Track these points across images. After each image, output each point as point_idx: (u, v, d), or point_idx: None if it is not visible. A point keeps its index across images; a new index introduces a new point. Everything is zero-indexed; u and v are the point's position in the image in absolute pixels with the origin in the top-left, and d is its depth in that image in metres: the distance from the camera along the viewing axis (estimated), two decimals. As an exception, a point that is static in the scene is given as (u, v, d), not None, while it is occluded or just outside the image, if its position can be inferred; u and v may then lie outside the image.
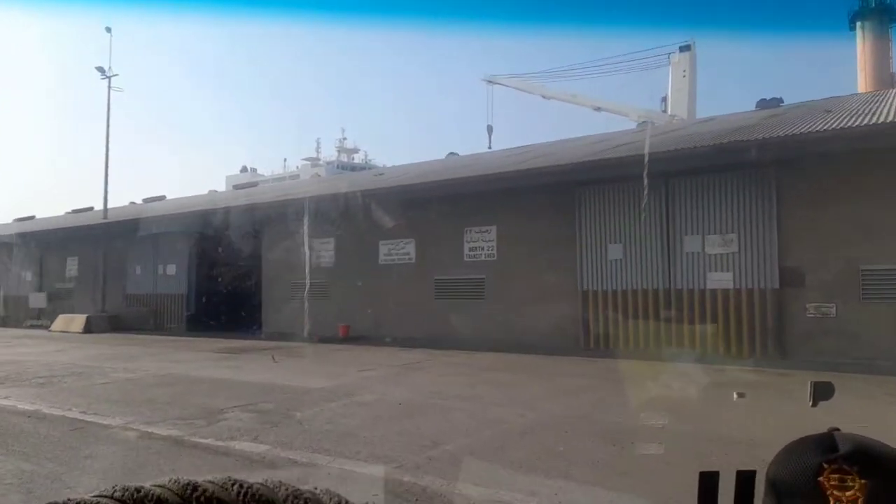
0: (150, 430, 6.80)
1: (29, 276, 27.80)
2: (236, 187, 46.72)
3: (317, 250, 18.52)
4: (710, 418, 6.77)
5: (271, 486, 0.64)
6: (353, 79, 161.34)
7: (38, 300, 26.45)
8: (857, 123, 11.34)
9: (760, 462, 0.97)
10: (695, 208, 12.73)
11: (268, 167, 76.50)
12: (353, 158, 72.72)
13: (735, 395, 7.09)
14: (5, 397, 8.83)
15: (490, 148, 34.94)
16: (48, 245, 26.96)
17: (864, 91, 31.66)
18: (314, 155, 73.13)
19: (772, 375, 9.77)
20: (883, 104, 14.00)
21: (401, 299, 16.46)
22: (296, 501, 0.62)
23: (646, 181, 12.32)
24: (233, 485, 0.61)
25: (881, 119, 11.48)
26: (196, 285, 22.13)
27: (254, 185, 44.37)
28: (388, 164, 40.54)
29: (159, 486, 0.58)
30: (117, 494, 0.55)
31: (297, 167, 69.97)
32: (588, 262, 13.97)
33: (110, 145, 24.62)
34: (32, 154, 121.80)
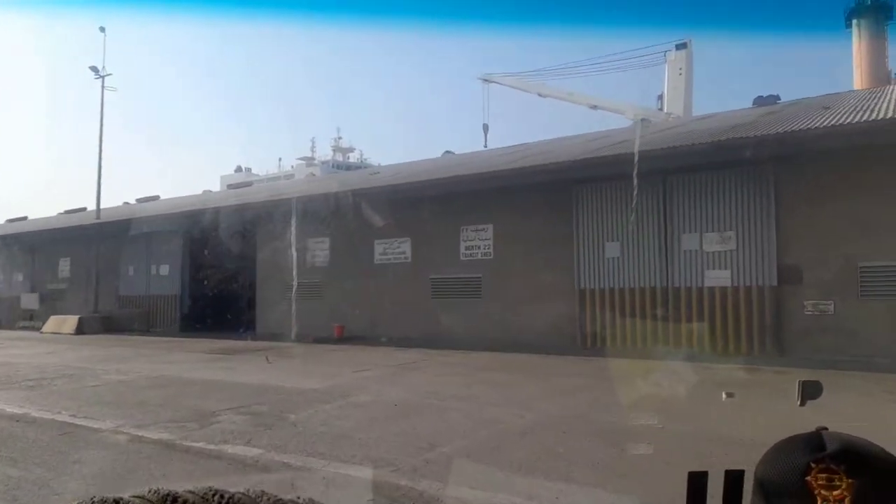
0: (141, 433, 6.66)
1: (21, 277, 27.59)
2: (230, 187, 46.55)
3: (311, 250, 18.40)
4: (709, 418, 6.67)
5: (253, 495, 0.62)
6: (347, 78, 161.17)
7: (29, 301, 26.24)
8: (855, 120, 11.26)
9: (762, 462, 0.93)
10: (692, 206, 12.66)
11: (262, 167, 76.35)
12: (348, 158, 72.54)
13: (724, 395, 7.01)
14: (-6, 400, 8.68)
15: (486, 146, 34.81)
16: (40, 246, 26.77)
17: (860, 89, 31.69)
18: (309, 154, 72.92)
19: (770, 373, 9.68)
20: (881, 101, 13.95)
21: (396, 299, 16.34)
22: None
23: (636, 181, 12.26)
24: (213, 495, 0.60)
25: (879, 115, 11.42)
26: (189, 286, 21.98)
27: (248, 184, 44.21)
28: (384, 164, 40.39)
29: (138, 496, 0.57)
30: None
31: (292, 167, 69.77)
32: (585, 260, 13.88)
33: (104, 145, 24.36)
34: (25, 154, 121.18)
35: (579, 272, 13.90)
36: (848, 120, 11.50)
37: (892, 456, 0.89)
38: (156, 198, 34.18)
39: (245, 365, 12.67)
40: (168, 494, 0.58)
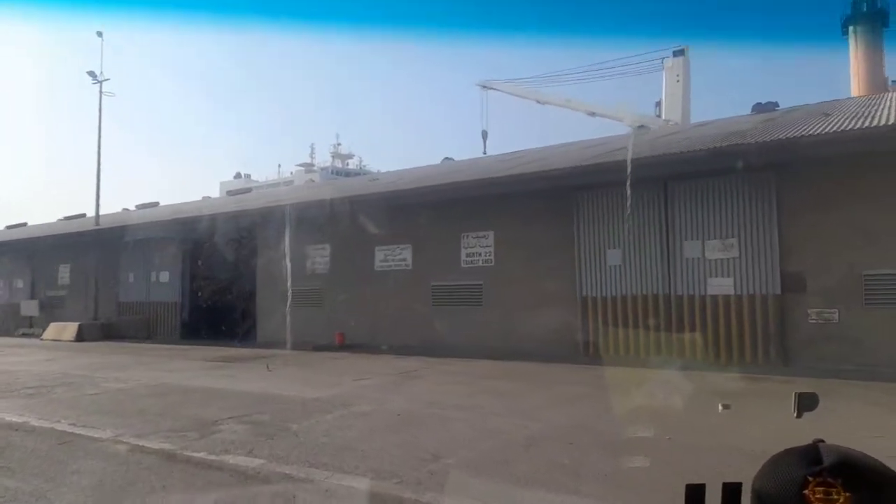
0: (141, 443, 6.59)
1: (20, 283, 27.50)
2: (230, 193, 46.53)
3: (311, 257, 18.34)
4: (716, 428, 6.60)
5: None
6: (346, 84, 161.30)
7: (29, 308, 26.14)
8: (857, 126, 11.23)
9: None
10: (694, 213, 12.61)
11: (262, 173, 76.26)
12: (347, 164, 72.52)
13: (720, 407, 6.94)
14: (-8, 409, 8.61)
15: (485, 153, 34.79)
16: (40, 252, 26.69)
17: (858, 96, 31.73)
18: (308, 160, 72.89)
19: (776, 383, 9.61)
20: (881, 107, 13.92)
21: (397, 306, 16.27)
22: None
23: (629, 192, 12.23)
24: None
25: (881, 122, 11.39)
26: (189, 293, 21.91)
27: (247, 190, 44.12)
28: (383, 170, 40.38)
29: None
30: None
31: (292, 173, 69.71)
32: (586, 267, 13.83)
33: (102, 151, 24.33)
34: (24, 160, 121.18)
35: (581, 279, 13.84)
36: (849, 126, 11.46)
37: (888, 469, 0.90)
38: (155, 204, 34.11)
39: (246, 373, 12.59)
40: None
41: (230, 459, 5.89)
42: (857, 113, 13.36)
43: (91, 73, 24.24)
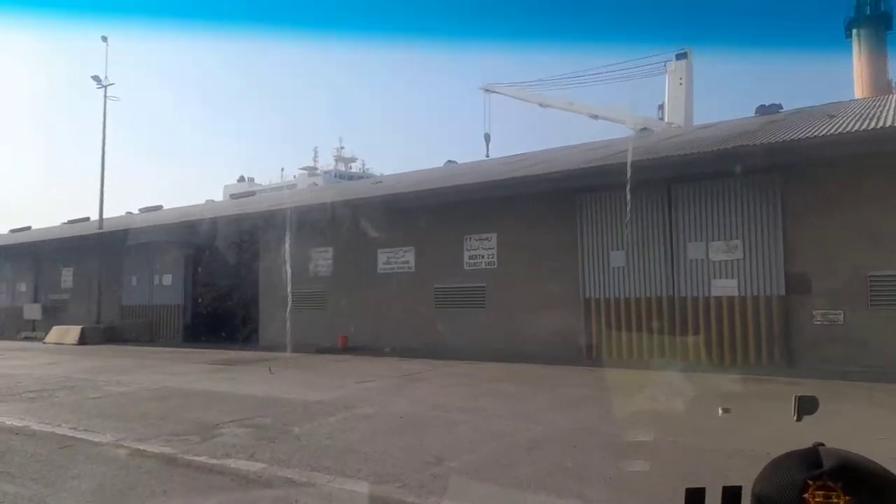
0: (142, 447, 6.55)
1: (23, 287, 27.53)
2: (233, 196, 46.56)
3: (314, 259, 18.31)
4: (721, 431, 6.54)
5: None
6: (349, 88, 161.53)
7: (32, 311, 26.15)
8: (863, 127, 11.16)
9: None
10: (698, 214, 12.55)
11: (265, 176, 76.29)
12: (350, 167, 72.53)
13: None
14: (-6, 413, 8.58)
15: (487, 156, 34.77)
16: (43, 256, 26.72)
17: (861, 98, 31.64)
18: (312, 164, 72.92)
19: (780, 384, 9.54)
20: (885, 108, 13.86)
21: (400, 308, 16.24)
22: None
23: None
24: None
25: (886, 123, 11.32)
26: (192, 296, 21.90)
27: (251, 194, 44.20)
28: (386, 173, 40.34)
29: None
30: None
31: (295, 176, 69.72)
32: (590, 269, 13.77)
33: (106, 155, 24.37)
34: (28, 165, 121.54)
35: (584, 281, 13.78)
36: (855, 127, 11.40)
37: (888, 472, 0.90)
38: (159, 207, 34.15)
39: (248, 376, 12.55)
40: None
41: (231, 463, 5.85)
42: (862, 115, 13.30)
43: (96, 78, 24.30)
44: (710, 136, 15.01)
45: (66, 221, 35.82)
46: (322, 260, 18.29)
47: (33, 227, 36.58)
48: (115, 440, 6.88)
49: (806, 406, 1.50)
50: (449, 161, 32.69)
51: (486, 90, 45.55)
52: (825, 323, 11.15)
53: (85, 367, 14.20)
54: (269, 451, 6.21)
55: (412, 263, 16.61)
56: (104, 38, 23.95)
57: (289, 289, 17.13)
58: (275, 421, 7.72)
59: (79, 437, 7.11)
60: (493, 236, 15.32)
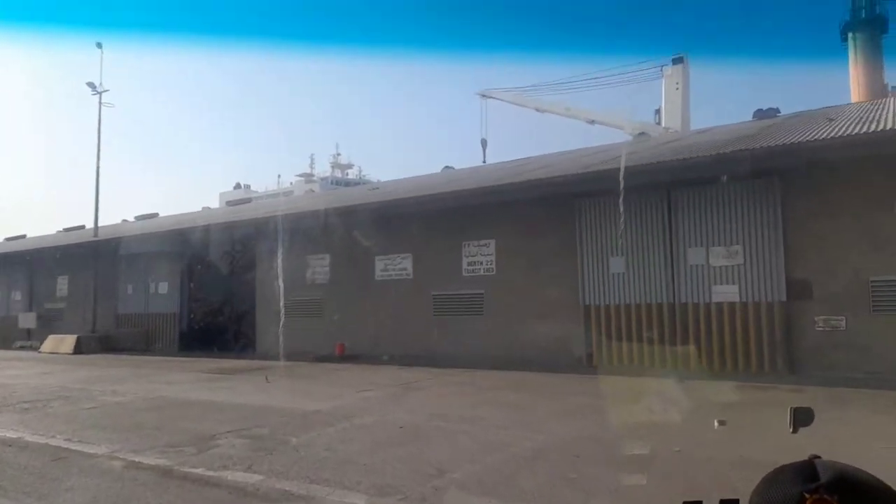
0: (137, 459, 6.43)
1: (18, 296, 27.35)
2: (229, 204, 46.45)
3: (311, 267, 18.20)
4: (726, 440, 6.46)
5: None
6: (345, 97, 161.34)
7: (27, 320, 25.97)
8: (863, 130, 11.11)
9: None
10: (698, 219, 12.47)
11: (261, 183, 76.08)
12: (347, 174, 72.44)
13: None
14: (-13, 424, 8.44)
15: (484, 162, 34.73)
16: (38, 264, 26.55)
17: (857, 102, 31.68)
18: (308, 171, 72.84)
19: (784, 391, 9.46)
20: (884, 112, 13.83)
21: (398, 316, 16.12)
22: None
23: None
24: None
25: (887, 125, 11.27)
26: (188, 304, 21.76)
27: (247, 201, 44.02)
28: (383, 179, 40.24)
29: None
30: None
31: (291, 183, 69.64)
32: (589, 275, 13.68)
33: (102, 163, 24.27)
34: (24, 173, 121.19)
35: (583, 287, 13.69)
36: (854, 131, 11.35)
37: (884, 485, 0.89)
38: (155, 215, 34.00)
39: (245, 385, 12.43)
40: None
41: (228, 475, 5.73)
42: (861, 118, 13.26)
43: (90, 84, 24.19)
44: (709, 140, 14.96)
45: (61, 230, 35.65)
46: (319, 267, 18.18)
47: (28, 235, 36.39)
48: (109, 452, 6.76)
49: (801, 417, 1.50)
50: (446, 167, 32.63)
51: (483, 96, 45.56)
52: (827, 329, 11.07)
53: (80, 377, 14.05)
54: (266, 463, 6.09)
55: (410, 270, 16.52)
56: (99, 45, 23.84)
57: (281, 298, 16.98)
58: (272, 431, 7.60)
59: (73, 448, 6.99)
60: (492, 242, 15.23)
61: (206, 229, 19.95)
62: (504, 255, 15.02)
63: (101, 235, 24.04)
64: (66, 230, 34.40)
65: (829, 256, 11.19)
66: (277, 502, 5.06)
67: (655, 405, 8.62)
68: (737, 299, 11.93)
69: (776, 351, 11.50)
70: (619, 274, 13.30)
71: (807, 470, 0.90)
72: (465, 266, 15.55)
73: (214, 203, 56.15)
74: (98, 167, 24.28)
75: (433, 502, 4.76)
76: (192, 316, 21.71)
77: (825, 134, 11.42)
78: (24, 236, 36.21)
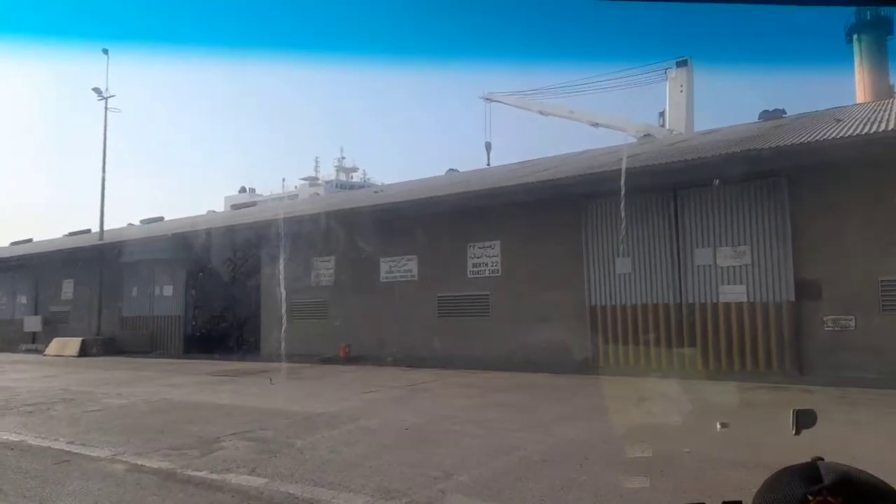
0: (140, 462, 6.36)
1: (24, 299, 27.38)
2: (234, 207, 46.46)
3: (316, 269, 18.15)
4: (737, 441, 6.35)
5: None
6: (348, 102, 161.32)
7: (32, 324, 25.98)
8: (872, 130, 10.99)
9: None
10: (705, 220, 12.37)
11: (266, 187, 76.11)
12: (351, 177, 72.40)
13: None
14: (-10, 427, 8.39)
15: (489, 164, 34.65)
16: (43, 268, 26.55)
17: (862, 103, 31.49)
18: (313, 174, 72.85)
19: (794, 392, 9.34)
20: (891, 112, 13.70)
21: (403, 318, 16.04)
22: None
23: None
24: None
25: (892, 126, 11.15)
26: (193, 307, 21.71)
27: (252, 204, 44.09)
28: (387, 183, 40.20)
29: None
30: None
31: (296, 187, 69.62)
32: (595, 276, 13.58)
33: (108, 168, 24.28)
34: (30, 177, 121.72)
35: (590, 289, 13.59)
36: (864, 130, 11.23)
37: (888, 486, 0.89)
38: (160, 219, 34.04)
39: (249, 387, 12.37)
40: None
41: (232, 479, 5.66)
42: (869, 118, 13.13)
43: (96, 90, 24.29)
44: (716, 141, 14.85)
45: (67, 234, 35.72)
46: (324, 269, 18.12)
47: (35, 239, 36.46)
48: (112, 455, 6.69)
49: (804, 419, 1.49)
50: (451, 169, 32.56)
51: (487, 99, 45.54)
52: (837, 329, 10.94)
53: (84, 380, 14.02)
54: (270, 466, 6.02)
55: (415, 272, 16.44)
56: (105, 51, 23.91)
57: (283, 300, 16.89)
58: (276, 434, 7.53)
59: (75, 451, 6.93)
60: (497, 244, 15.15)
61: (211, 232, 19.93)
62: (509, 256, 14.93)
63: (107, 239, 24.05)
64: (72, 234, 34.45)
65: (839, 256, 11.05)
66: (282, 506, 4.98)
67: (663, 406, 8.51)
68: (745, 300, 11.81)
69: (785, 351, 11.37)
70: (625, 275, 13.19)
71: (810, 472, 0.90)
72: (470, 268, 15.47)
73: (220, 207, 56.12)
74: (104, 171, 24.36)
75: (440, 506, 4.67)
76: (196, 318, 21.67)
77: (834, 134, 11.30)
78: (30, 240, 36.29)
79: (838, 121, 13.14)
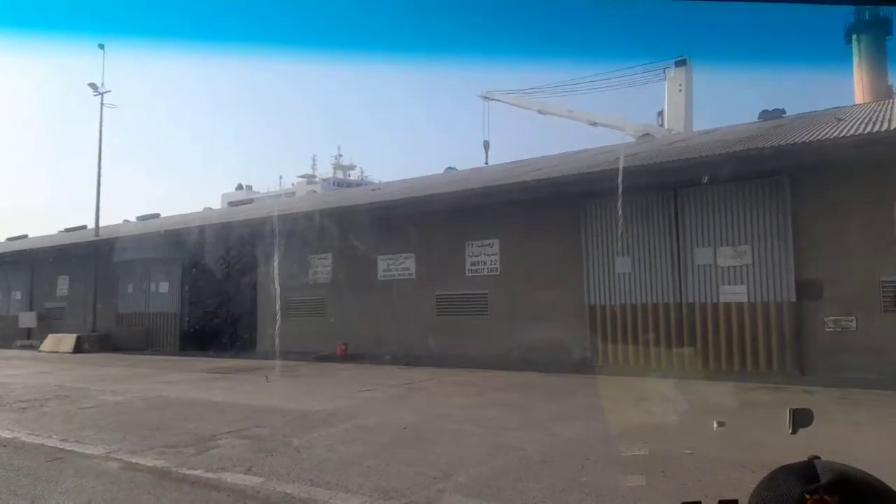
0: (134, 460, 6.27)
1: (19, 295, 27.23)
2: (231, 204, 46.34)
3: (313, 266, 18.05)
4: (738, 442, 6.28)
5: None
6: (346, 99, 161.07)
7: (27, 320, 25.84)
8: (874, 130, 10.93)
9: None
10: (705, 219, 12.30)
11: (263, 184, 75.93)
12: (348, 175, 72.28)
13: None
14: (-18, 424, 8.28)
15: (487, 163, 34.57)
16: (39, 264, 26.43)
17: (862, 103, 31.47)
18: (310, 172, 72.69)
19: (795, 393, 9.28)
20: (891, 112, 13.66)
21: (401, 316, 15.95)
22: None
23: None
24: None
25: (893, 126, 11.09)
26: (189, 304, 21.60)
27: (249, 202, 43.95)
28: (385, 181, 40.07)
29: None
30: None
31: (293, 184, 69.46)
32: (594, 275, 13.51)
33: (105, 164, 24.15)
34: (26, 173, 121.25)
35: (589, 288, 13.52)
36: (864, 130, 11.17)
37: (886, 486, 0.88)
38: (156, 216, 33.88)
39: (245, 385, 12.28)
40: None
41: (228, 477, 5.57)
42: (869, 118, 13.09)
43: (92, 85, 24.13)
44: (715, 140, 14.78)
45: (62, 230, 35.54)
46: (321, 267, 18.03)
47: (30, 235, 36.28)
48: (106, 452, 6.60)
49: (801, 419, 1.47)
50: (449, 168, 32.49)
51: (485, 98, 45.47)
52: (838, 330, 10.89)
53: (79, 376, 13.91)
54: (267, 465, 5.93)
55: (413, 270, 16.35)
56: (101, 46, 23.77)
57: (277, 297, 16.77)
58: (273, 432, 7.44)
59: (69, 449, 6.83)
60: (496, 242, 15.07)
61: (208, 229, 19.81)
62: (508, 255, 14.85)
63: (102, 235, 23.91)
64: (68, 230, 34.28)
65: (840, 256, 10.99)
66: (278, 505, 4.90)
67: (662, 407, 8.45)
68: (745, 300, 11.74)
69: (785, 352, 11.31)
70: (624, 274, 13.12)
71: (807, 470, 0.90)
72: (468, 266, 15.39)
73: (216, 204, 56.03)
74: (99, 167, 24.21)
75: (439, 506, 4.59)
76: (192, 315, 21.56)
77: (835, 133, 11.23)
78: (25, 236, 36.10)
79: (839, 120, 13.08)
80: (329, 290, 17.68)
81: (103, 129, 24.09)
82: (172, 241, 20.90)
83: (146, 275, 22.33)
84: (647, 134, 32.43)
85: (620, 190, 11.34)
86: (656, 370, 11.88)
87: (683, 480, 5.07)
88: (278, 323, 16.23)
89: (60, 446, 6.96)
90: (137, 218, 34.85)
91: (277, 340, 16.27)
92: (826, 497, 0.85)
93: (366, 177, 70.27)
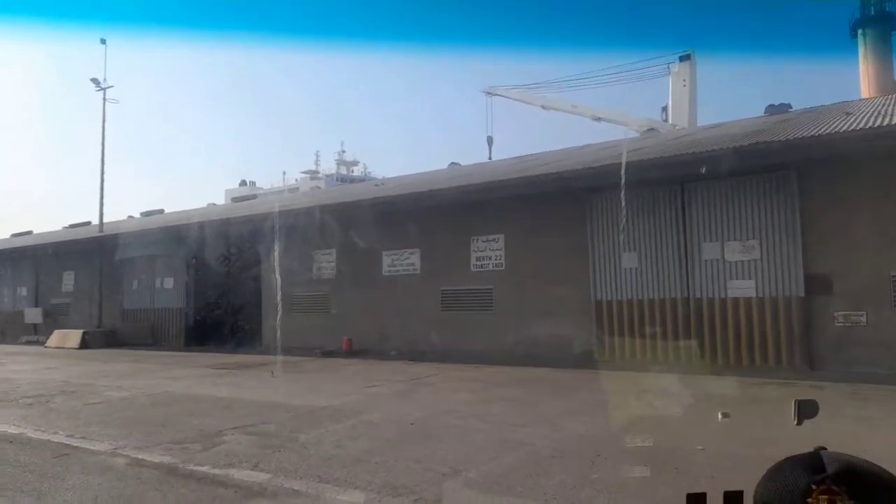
0: (140, 456, 6.24)
1: (24, 291, 27.28)
2: (235, 200, 46.30)
3: (317, 262, 18.02)
4: (749, 437, 6.22)
5: None
6: (349, 93, 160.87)
7: (33, 316, 25.88)
8: (885, 123, 10.82)
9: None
10: (712, 214, 12.21)
11: (267, 180, 76.03)
12: (352, 171, 72.28)
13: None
14: (-12, 420, 8.27)
15: (490, 158, 34.49)
16: (44, 260, 26.46)
17: (868, 98, 31.28)
18: (314, 168, 72.70)
19: (805, 388, 9.20)
20: (898, 106, 13.52)
21: (406, 311, 15.91)
22: None
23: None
24: None
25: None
26: (194, 299, 21.60)
27: (252, 197, 43.90)
28: (388, 176, 40.04)
29: None
30: None
31: (297, 180, 69.48)
32: (601, 271, 13.44)
33: (109, 160, 24.12)
34: (30, 169, 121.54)
35: (595, 283, 13.45)
36: (874, 123, 11.06)
37: (892, 476, 0.88)
38: (160, 211, 33.89)
39: (251, 380, 12.25)
40: None
41: (235, 474, 5.53)
42: (878, 111, 12.98)
43: (94, 80, 24.06)
44: (722, 134, 14.68)
45: (67, 225, 35.58)
46: (325, 262, 17.99)
47: (35, 231, 36.33)
48: (112, 448, 6.57)
49: (806, 410, 1.47)
50: (452, 163, 32.40)
51: (489, 93, 45.35)
52: (847, 324, 10.80)
53: (85, 372, 13.90)
54: (274, 461, 5.89)
55: (418, 265, 16.30)
56: (103, 41, 23.74)
57: (278, 291, 16.71)
58: (279, 428, 7.41)
59: (75, 445, 6.81)
60: (501, 237, 15.00)
61: (212, 225, 19.79)
62: (513, 250, 14.78)
63: (107, 231, 23.90)
64: (72, 226, 34.31)
65: (849, 251, 10.90)
66: (285, 501, 4.86)
67: (671, 402, 8.38)
68: (753, 294, 11.66)
69: (794, 347, 11.23)
70: (631, 269, 13.04)
71: (814, 461, 0.90)
72: (473, 261, 15.32)
73: (220, 200, 56.03)
74: (103, 163, 24.18)
75: (449, 503, 4.54)
76: (197, 311, 21.55)
77: (843, 127, 11.13)
78: (30, 232, 36.16)
79: (848, 114, 12.98)
80: (333, 285, 17.64)
81: (106, 124, 24.07)
82: (177, 237, 20.89)
83: (151, 270, 22.33)
84: (652, 129, 32.28)
85: (623, 182, 11.25)
86: (663, 365, 11.81)
87: (696, 477, 5.02)
88: (280, 317, 16.20)
89: (66, 442, 6.93)
90: (141, 214, 34.88)
91: (284, 336, 16.25)
92: (833, 487, 0.85)
93: (369, 173, 70.26)
